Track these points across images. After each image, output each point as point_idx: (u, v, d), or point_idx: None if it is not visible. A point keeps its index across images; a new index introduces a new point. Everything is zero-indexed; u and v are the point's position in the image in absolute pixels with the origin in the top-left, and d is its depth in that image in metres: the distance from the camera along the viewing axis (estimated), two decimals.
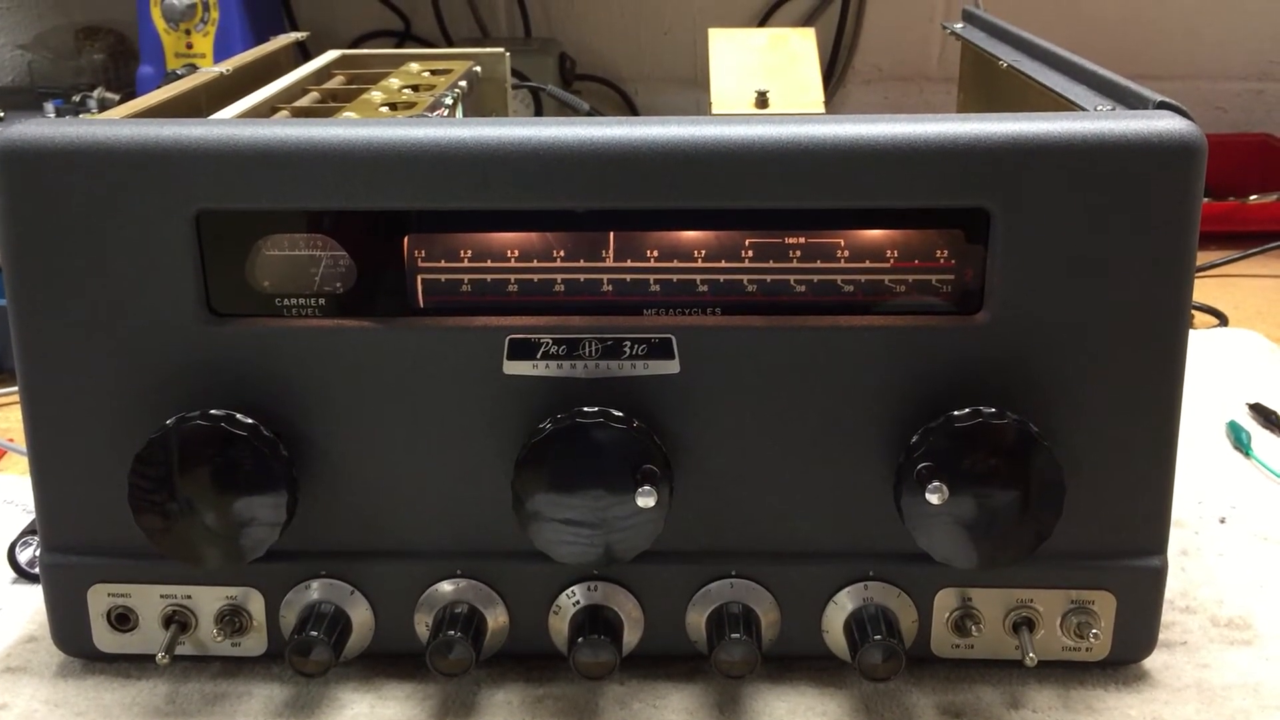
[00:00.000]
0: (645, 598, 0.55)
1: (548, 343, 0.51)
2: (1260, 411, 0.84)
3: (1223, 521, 0.70)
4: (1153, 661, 0.56)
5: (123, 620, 0.56)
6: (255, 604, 0.55)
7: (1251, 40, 1.49)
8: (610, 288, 0.52)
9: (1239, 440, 0.79)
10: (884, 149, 0.49)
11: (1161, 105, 0.51)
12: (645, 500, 0.49)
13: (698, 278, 0.52)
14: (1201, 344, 0.95)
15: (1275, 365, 0.93)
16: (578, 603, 0.55)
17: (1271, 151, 1.36)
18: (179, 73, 0.69)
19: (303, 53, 1.06)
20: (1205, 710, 0.54)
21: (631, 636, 0.55)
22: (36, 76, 1.57)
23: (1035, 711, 0.53)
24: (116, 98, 1.37)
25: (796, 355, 0.51)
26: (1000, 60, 0.70)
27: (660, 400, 0.52)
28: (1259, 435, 0.81)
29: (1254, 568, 0.65)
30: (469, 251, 0.52)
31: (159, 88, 0.66)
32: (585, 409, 0.50)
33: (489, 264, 0.52)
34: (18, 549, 0.65)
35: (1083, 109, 0.55)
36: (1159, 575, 0.54)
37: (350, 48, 0.85)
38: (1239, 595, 0.62)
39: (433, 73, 0.78)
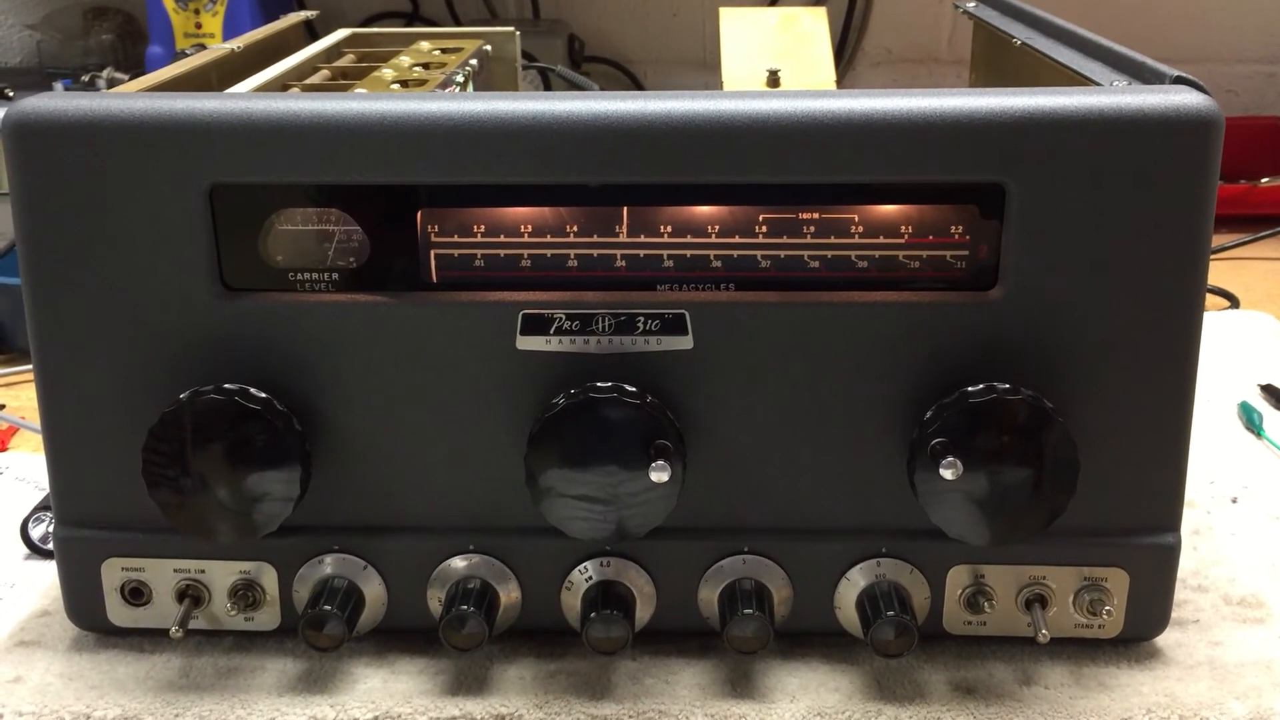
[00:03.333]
0: (658, 573, 0.55)
1: (561, 318, 0.51)
2: (1272, 392, 0.83)
3: (1235, 501, 0.70)
4: (1165, 639, 0.56)
5: (136, 594, 0.56)
6: (268, 579, 0.55)
7: (1263, 23, 1.48)
8: (624, 263, 0.52)
9: (1251, 421, 0.79)
10: (899, 123, 0.49)
11: (1178, 80, 0.51)
12: (659, 475, 0.49)
13: (711, 253, 0.52)
14: (1213, 326, 0.95)
15: None
16: (590, 578, 0.55)
17: None
18: (188, 53, 0.69)
19: (310, 33, 1.06)
20: (1217, 688, 0.54)
21: (644, 612, 0.55)
22: (45, 57, 1.57)
23: (1047, 688, 0.53)
24: (125, 78, 1.37)
25: (810, 331, 0.51)
26: (1014, 38, 0.69)
27: (673, 376, 0.52)
28: (1270, 416, 0.81)
29: (1266, 547, 0.65)
30: (482, 226, 0.52)
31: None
32: (598, 384, 0.50)
33: (502, 239, 0.52)
34: (31, 525, 0.65)
35: (1098, 84, 0.54)
36: (1172, 553, 0.54)
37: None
38: (1251, 574, 0.62)
39: (443, 51, 0.78)
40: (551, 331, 0.52)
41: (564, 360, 0.52)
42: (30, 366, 0.53)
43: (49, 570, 0.62)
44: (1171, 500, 0.54)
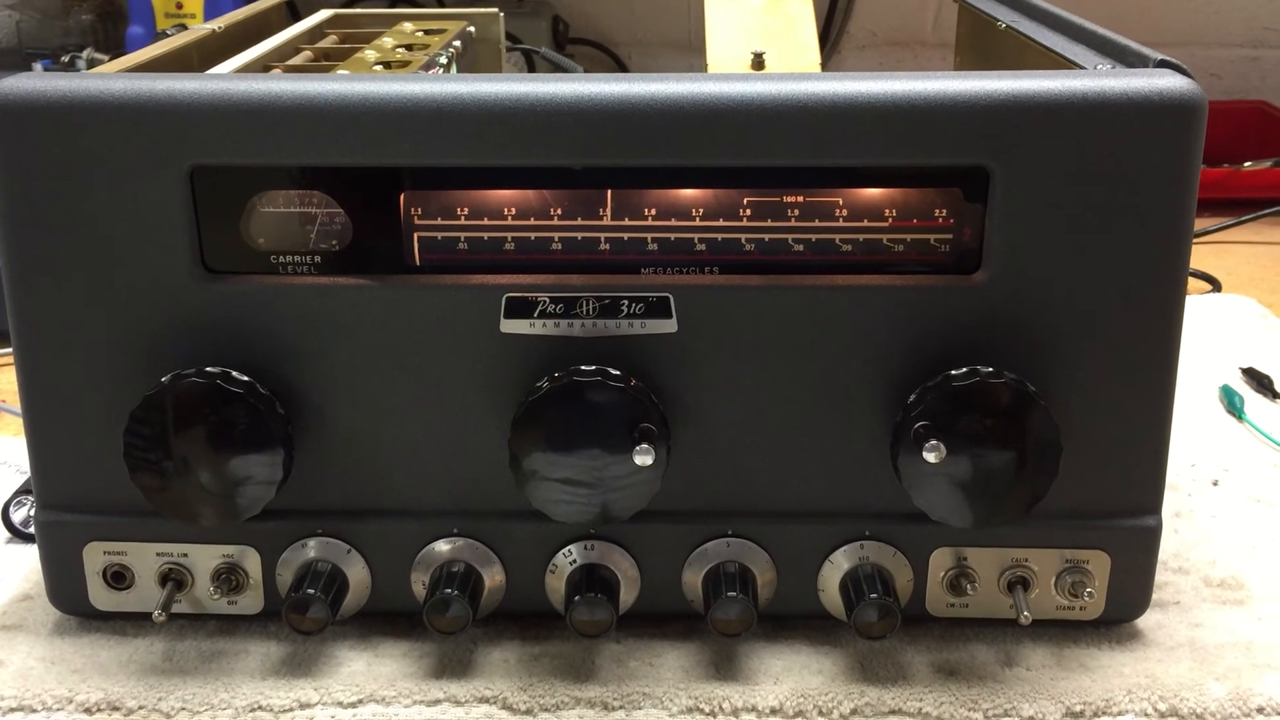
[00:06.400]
0: (642, 557, 0.55)
1: (545, 301, 0.51)
2: (1253, 376, 0.84)
3: (1215, 484, 0.70)
4: (1146, 621, 0.57)
5: (119, 578, 0.56)
6: (252, 562, 0.55)
7: (1247, 7, 1.48)
8: (608, 246, 0.52)
9: (1232, 404, 0.80)
10: (883, 107, 0.48)
11: (1162, 64, 0.51)
12: (643, 459, 0.49)
13: (695, 236, 0.51)
14: (1195, 309, 0.95)
15: (1268, 330, 0.93)
16: (574, 562, 0.55)
17: (1266, 118, 1.36)
18: (169, 33, 0.68)
19: (292, 13, 1.05)
20: (1197, 669, 0.54)
21: (628, 595, 0.55)
22: (24, 37, 1.55)
23: (1029, 669, 0.54)
24: (106, 59, 1.35)
25: (794, 315, 0.51)
26: (999, 21, 0.69)
27: (658, 359, 0.52)
28: (1251, 399, 0.81)
29: (1246, 529, 0.65)
30: (466, 209, 0.51)
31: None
32: (582, 368, 0.50)
33: (486, 222, 0.51)
34: (12, 509, 0.65)
35: (1083, 68, 0.54)
36: (1153, 535, 0.54)
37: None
38: (1231, 556, 0.63)
39: (426, 32, 0.77)
40: (535, 315, 0.51)
41: (548, 343, 0.52)
42: (10, 349, 0.53)
43: (30, 554, 0.61)
44: (1153, 482, 0.54)
